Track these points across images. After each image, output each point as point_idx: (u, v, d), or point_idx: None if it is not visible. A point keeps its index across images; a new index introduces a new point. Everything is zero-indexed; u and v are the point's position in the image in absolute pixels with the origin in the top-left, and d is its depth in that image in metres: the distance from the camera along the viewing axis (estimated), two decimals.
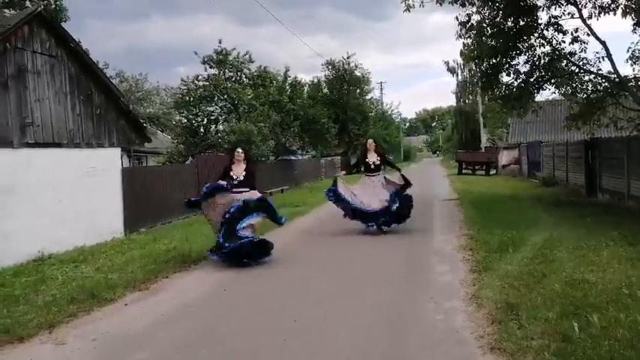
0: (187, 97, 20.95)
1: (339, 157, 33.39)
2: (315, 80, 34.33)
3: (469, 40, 13.17)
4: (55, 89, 9.45)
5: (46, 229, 8.58)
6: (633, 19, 10.86)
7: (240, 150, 7.22)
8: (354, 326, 4.33)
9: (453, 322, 4.29)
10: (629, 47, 12.09)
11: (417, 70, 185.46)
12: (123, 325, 4.63)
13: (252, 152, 18.71)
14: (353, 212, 9.25)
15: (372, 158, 9.25)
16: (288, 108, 22.73)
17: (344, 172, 10.96)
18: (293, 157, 25.58)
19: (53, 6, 18.49)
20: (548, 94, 15.99)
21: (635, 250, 6.42)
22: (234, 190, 6.96)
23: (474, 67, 19.37)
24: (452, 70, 47.69)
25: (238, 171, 7.04)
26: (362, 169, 9.47)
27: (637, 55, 11.98)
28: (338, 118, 31.29)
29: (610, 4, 11.67)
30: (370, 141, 9.65)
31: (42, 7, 9.63)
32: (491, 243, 7.32)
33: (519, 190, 17.13)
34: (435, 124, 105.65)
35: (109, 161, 10.73)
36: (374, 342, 3.96)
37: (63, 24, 14.08)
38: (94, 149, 10.38)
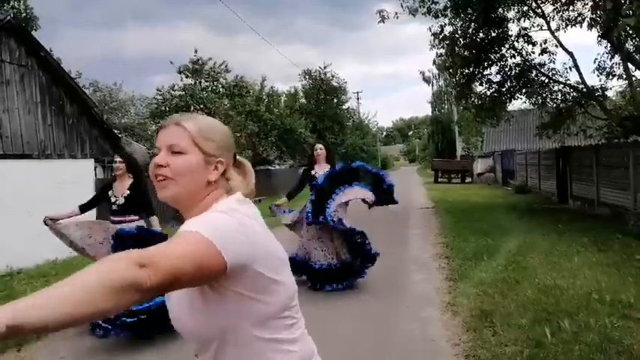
0: (163, 107, 20.73)
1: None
2: (292, 90, 34.46)
3: (442, 51, 13.44)
4: (25, 99, 9.24)
5: (15, 243, 8.33)
6: (598, 32, 11.24)
7: (118, 158, 4.87)
8: (330, 337, 4.31)
9: (429, 331, 4.32)
10: (596, 58, 12.53)
11: (393, 80, 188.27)
12: (94, 341, 4.51)
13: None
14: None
15: (321, 171, 5.89)
16: (265, 118, 22.71)
17: (282, 202, 6.20)
18: (270, 167, 25.53)
19: (24, 14, 18.14)
20: (519, 103, 16.38)
21: (604, 256, 6.60)
22: (114, 218, 4.82)
23: (448, 77, 19.79)
24: (427, 80, 48.37)
25: (119, 189, 4.84)
26: (308, 187, 5.96)
27: (603, 66, 12.40)
28: (315, 127, 31.39)
29: (576, 17, 12.09)
30: (319, 145, 6.11)
31: (11, 15, 9.44)
32: (466, 251, 7.42)
33: (494, 198, 17.42)
34: (411, 133, 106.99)
35: (82, 172, 10.52)
36: (352, 353, 3.96)
37: (34, 33, 13.83)
38: (66, 160, 10.17)
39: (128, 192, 4.77)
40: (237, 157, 1.29)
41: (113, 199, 4.80)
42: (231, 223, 1.05)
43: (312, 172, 5.91)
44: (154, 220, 4.86)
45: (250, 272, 1.05)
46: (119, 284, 0.84)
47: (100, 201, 5.03)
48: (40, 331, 0.79)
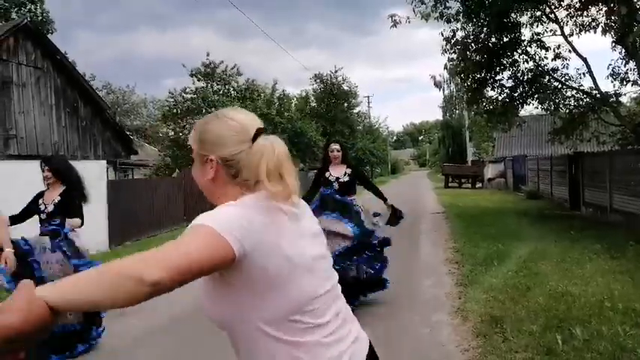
0: (175, 110, 20.92)
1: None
2: (303, 94, 34.54)
3: (454, 55, 13.41)
4: (40, 101, 9.38)
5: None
6: (612, 37, 11.15)
7: (45, 167, 4.45)
8: None
9: (439, 336, 4.30)
10: (609, 64, 12.42)
11: (404, 84, 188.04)
12: (100, 343, 4.54)
13: None
14: None
15: (337, 173, 5.28)
16: (276, 121, 22.80)
17: None
18: None
19: (40, 17, 18.44)
20: (531, 108, 16.31)
21: (617, 264, 6.51)
22: (44, 228, 4.41)
23: (459, 82, 19.75)
24: (438, 85, 48.24)
25: (49, 197, 4.46)
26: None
27: (617, 71, 12.29)
28: (326, 131, 31.44)
29: (590, 23, 12.01)
30: (335, 147, 5.36)
31: (28, 18, 9.60)
32: (476, 256, 7.37)
33: (505, 204, 17.29)
34: (422, 137, 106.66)
35: (95, 174, 10.63)
36: None
37: (50, 36, 14.06)
38: (79, 161, 10.28)
39: (59, 198, 4.37)
40: (260, 136, 1.24)
41: (42, 207, 4.40)
42: (235, 212, 1.09)
43: (327, 175, 5.27)
44: (75, 222, 4.35)
45: (254, 265, 1.07)
46: (120, 277, 0.94)
47: (30, 212, 4.50)
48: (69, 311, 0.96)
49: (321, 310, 1.16)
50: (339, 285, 1.26)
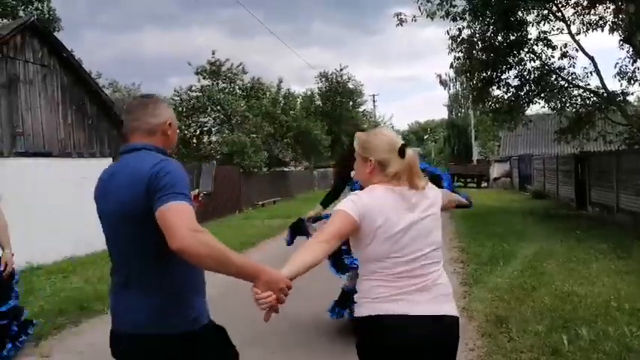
0: (180, 108, 20.94)
1: (332, 169, 33.48)
2: (309, 92, 34.47)
3: (460, 54, 13.36)
4: (46, 99, 9.42)
5: (34, 240, 8.48)
6: (620, 36, 11.08)
7: None
8: (343, 339, 4.30)
9: None
10: (617, 63, 12.33)
11: (409, 83, 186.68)
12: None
13: (244, 163, 18.78)
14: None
15: None
16: (281, 119, 22.79)
17: (312, 215, 4.55)
18: (286, 169, 25.59)
19: (47, 15, 18.51)
20: (538, 107, 16.22)
21: (623, 264, 6.47)
22: None
23: (465, 81, 19.65)
24: (444, 83, 48.07)
25: None
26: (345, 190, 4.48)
27: (624, 70, 12.20)
28: (331, 129, 31.41)
29: (598, 21, 11.93)
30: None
31: (35, 16, 9.63)
32: (482, 255, 7.35)
33: (510, 203, 17.23)
34: (427, 136, 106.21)
35: (101, 171, 10.66)
36: None
37: (56, 34, 14.11)
38: (86, 159, 10.32)
39: None
40: (405, 149, 1.88)
41: None
42: (354, 198, 1.84)
43: (352, 174, 3.89)
44: None
45: (363, 228, 1.80)
46: (314, 243, 1.80)
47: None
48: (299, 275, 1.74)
49: (393, 267, 1.81)
50: (432, 265, 1.88)
